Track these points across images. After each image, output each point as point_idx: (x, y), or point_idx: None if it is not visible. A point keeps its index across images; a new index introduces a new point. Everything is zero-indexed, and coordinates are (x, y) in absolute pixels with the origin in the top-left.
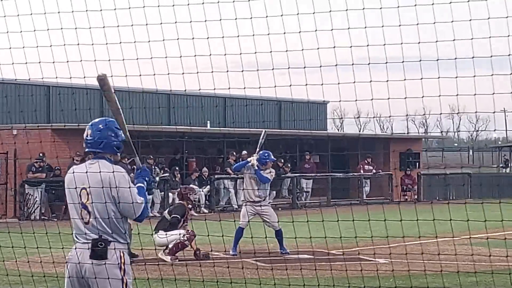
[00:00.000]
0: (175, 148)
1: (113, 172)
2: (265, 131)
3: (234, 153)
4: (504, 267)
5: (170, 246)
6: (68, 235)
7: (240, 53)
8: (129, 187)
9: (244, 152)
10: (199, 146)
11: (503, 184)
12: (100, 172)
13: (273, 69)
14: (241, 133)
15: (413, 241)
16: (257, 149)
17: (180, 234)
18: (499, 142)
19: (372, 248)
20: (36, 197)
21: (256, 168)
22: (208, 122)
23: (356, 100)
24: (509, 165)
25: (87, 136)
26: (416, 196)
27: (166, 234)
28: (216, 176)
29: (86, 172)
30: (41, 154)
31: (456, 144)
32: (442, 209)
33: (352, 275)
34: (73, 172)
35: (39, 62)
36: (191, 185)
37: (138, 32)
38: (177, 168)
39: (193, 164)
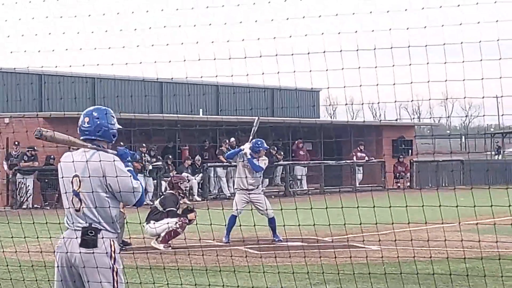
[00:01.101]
0: (168, 136)
1: (106, 161)
2: (258, 118)
3: (227, 141)
4: (494, 253)
5: (162, 234)
6: (56, 224)
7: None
8: (126, 176)
9: (232, 139)
10: (192, 134)
11: (496, 170)
12: (92, 161)
13: (260, 56)
14: (235, 121)
15: (403, 228)
16: (250, 137)
17: (168, 223)
18: (492, 129)
19: (362, 235)
20: (28, 185)
21: (249, 156)
22: (201, 110)
23: (344, 87)
24: (501, 152)
25: (83, 124)
26: (408, 183)
27: (155, 225)
28: (209, 164)
29: (79, 161)
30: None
31: (448, 132)
32: (434, 196)
33: (342, 262)
34: (68, 161)
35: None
36: (184, 173)
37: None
38: (170, 156)
39: (186, 152)
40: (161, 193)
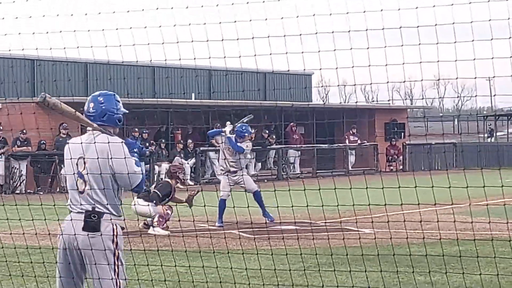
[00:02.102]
0: (160, 120)
1: (110, 142)
2: (251, 116)
3: (219, 125)
4: (487, 235)
5: (154, 220)
6: (51, 208)
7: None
8: (129, 158)
9: (228, 122)
10: (185, 118)
11: (488, 153)
12: (98, 142)
13: (253, 38)
14: (227, 105)
15: (396, 210)
16: (236, 124)
17: (149, 211)
18: (484, 112)
19: (355, 218)
20: (21, 170)
21: (229, 135)
22: (193, 94)
23: (336, 68)
24: (494, 134)
25: (89, 109)
26: (401, 167)
27: (148, 204)
28: (201, 148)
29: (85, 142)
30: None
31: (441, 114)
32: (427, 178)
33: (336, 245)
34: (74, 142)
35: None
36: (176, 157)
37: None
38: (163, 141)
39: (178, 136)
40: (156, 179)
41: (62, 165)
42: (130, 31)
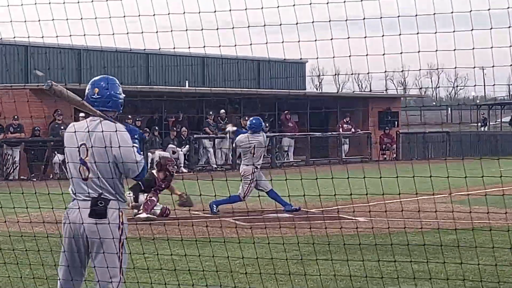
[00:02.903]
0: (153, 108)
1: (115, 131)
2: (235, 130)
3: (211, 113)
4: (484, 224)
5: (141, 207)
6: (44, 194)
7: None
8: (131, 146)
9: (222, 111)
10: (178, 106)
11: (482, 142)
12: (101, 130)
13: (248, 26)
14: (221, 92)
15: (393, 199)
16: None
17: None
18: (477, 101)
19: (352, 206)
20: (15, 157)
21: (232, 137)
22: (187, 81)
23: (333, 57)
24: (487, 123)
25: (93, 94)
26: (395, 155)
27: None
28: (195, 136)
29: (88, 129)
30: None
31: (434, 103)
32: (422, 167)
33: (332, 233)
34: (74, 130)
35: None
36: (170, 145)
37: None
38: (156, 128)
39: (170, 122)
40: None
41: (56, 152)
42: (124, 20)
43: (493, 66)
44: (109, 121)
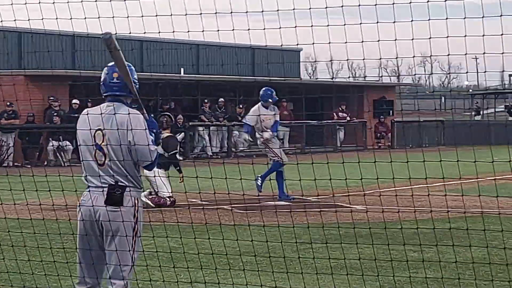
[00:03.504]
0: (148, 95)
1: (130, 114)
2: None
3: (206, 101)
4: (478, 213)
5: (159, 195)
6: (42, 182)
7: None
8: (145, 130)
9: (221, 99)
10: (174, 93)
11: (476, 131)
12: (117, 114)
13: (246, 12)
14: (216, 80)
15: (388, 187)
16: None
17: (166, 190)
18: (470, 90)
19: (348, 195)
20: (9, 143)
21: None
22: (182, 68)
23: (329, 43)
24: (481, 112)
25: (112, 79)
26: (389, 143)
27: (158, 175)
28: (190, 123)
29: (102, 113)
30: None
31: (427, 92)
32: (417, 155)
33: (328, 221)
34: (88, 114)
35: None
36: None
37: None
38: (152, 115)
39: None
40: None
41: (50, 139)
42: (123, 3)
43: (484, 53)
44: (127, 106)
